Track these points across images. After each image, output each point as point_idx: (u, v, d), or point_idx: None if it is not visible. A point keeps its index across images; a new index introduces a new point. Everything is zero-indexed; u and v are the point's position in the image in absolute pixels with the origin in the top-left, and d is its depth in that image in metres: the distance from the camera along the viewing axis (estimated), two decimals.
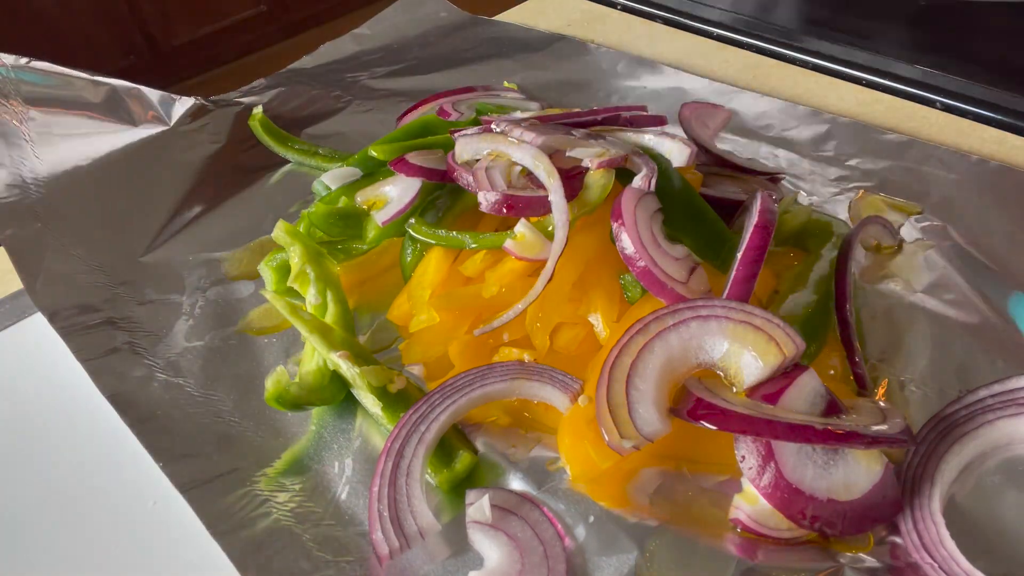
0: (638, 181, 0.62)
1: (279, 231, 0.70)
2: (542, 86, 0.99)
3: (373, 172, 0.77)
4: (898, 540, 0.51)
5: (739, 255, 0.58)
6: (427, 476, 0.56)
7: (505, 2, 1.22)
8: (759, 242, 0.58)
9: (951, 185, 0.78)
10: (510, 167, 0.65)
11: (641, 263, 0.58)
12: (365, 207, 0.72)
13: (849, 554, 0.50)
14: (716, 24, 1.09)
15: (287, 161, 0.89)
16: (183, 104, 0.95)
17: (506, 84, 0.96)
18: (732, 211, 0.69)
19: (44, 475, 0.60)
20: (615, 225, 0.59)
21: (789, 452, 0.50)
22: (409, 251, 0.69)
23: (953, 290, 0.67)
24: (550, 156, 0.64)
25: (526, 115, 0.75)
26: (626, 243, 0.59)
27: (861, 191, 0.78)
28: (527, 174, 0.65)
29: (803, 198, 0.78)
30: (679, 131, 0.79)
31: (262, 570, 0.51)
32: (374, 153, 0.74)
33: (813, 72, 0.99)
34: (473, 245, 0.64)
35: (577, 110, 0.76)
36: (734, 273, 0.57)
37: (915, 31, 1.06)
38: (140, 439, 0.60)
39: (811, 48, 1.01)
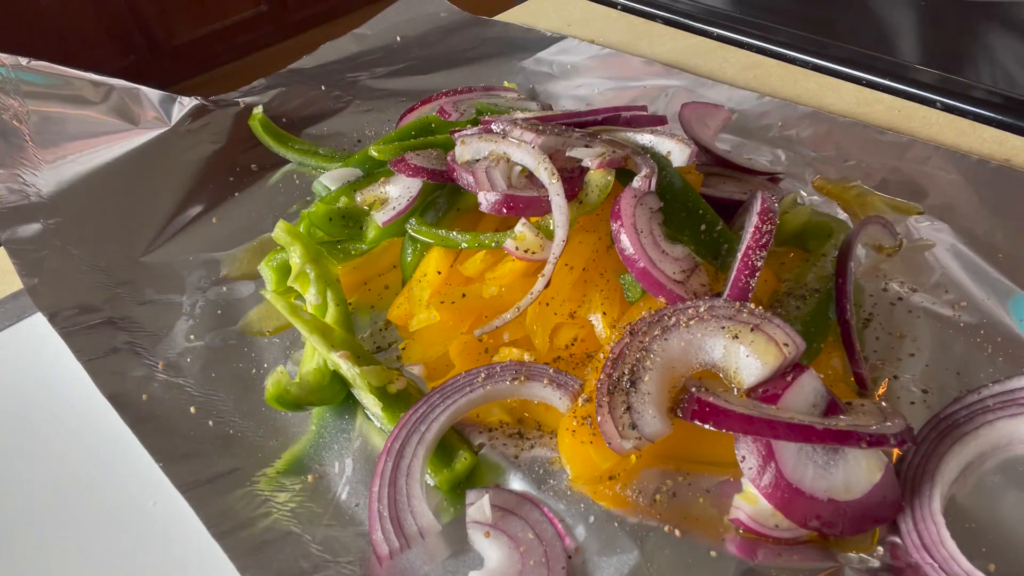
0: (638, 181, 0.62)
1: (279, 231, 0.70)
2: (542, 86, 0.99)
3: (373, 172, 0.77)
4: (898, 540, 0.51)
5: (739, 255, 0.58)
6: (427, 476, 0.56)
7: (505, 2, 1.22)
8: (759, 242, 0.58)
9: (951, 185, 0.78)
10: (510, 167, 0.65)
11: (640, 264, 0.58)
12: (365, 207, 0.72)
13: (849, 554, 0.50)
14: (716, 24, 1.09)
15: (287, 161, 0.89)
16: (183, 104, 0.95)
17: (506, 84, 0.96)
18: (732, 211, 0.69)
19: (44, 475, 0.60)
20: (615, 226, 0.59)
21: (789, 452, 0.50)
22: (409, 251, 0.69)
23: (953, 290, 0.67)
24: (550, 156, 0.64)
25: (526, 115, 0.75)
26: (625, 244, 0.59)
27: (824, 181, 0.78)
28: (527, 174, 0.65)
29: (803, 198, 0.78)
30: (679, 131, 0.79)
31: (262, 570, 0.51)
32: (374, 153, 0.74)
33: (813, 72, 0.99)
34: (472, 245, 0.64)
35: (577, 110, 0.76)
36: (734, 273, 0.57)
37: (916, 31, 1.06)
38: (140, 439, 0.60)
39: (811, 48, 1.01)
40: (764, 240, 0.58)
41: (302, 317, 0.64)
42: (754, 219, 0.59)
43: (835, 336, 0.62)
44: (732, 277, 0.57)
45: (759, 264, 0.57)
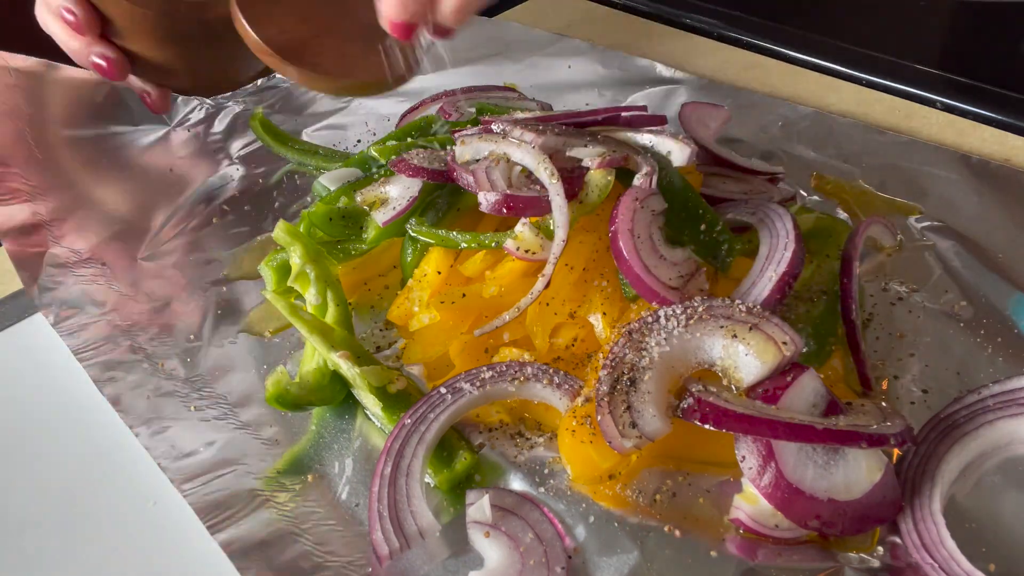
0: (638, 180, 0.62)
1: (279, 231, 0.70)
2: (542, 86, 0.99)
3: (373, 172, 0.77)
4: (898, 540, 0.51)
5: (775, 274, 0.59)
6: (427, 476, 0.57)
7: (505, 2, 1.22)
8: (795, 269, 0.59)
9: (951, 185, 0.78)
10: (510, 167, 0.65)
11: (633, 270, 0.58)
12: (365, 207, 0.72)
13: (849, 554, 0.50)
14: (716, 24, 1.09)
15: (287, 161, 0.89)
16: (183, 104, 0.95)
17: (506, 84, 0.96)
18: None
19: (44, 475, 0.60)
20: (611, 229, 0.59)
21: (789, 452, 0.50)
22: (409, 251, 0.69)
23: (953, 290, 0.67)
24: (550, 156, 0.64)
25: (526, 115, 0.75)
26: (619, 249, 0.58)
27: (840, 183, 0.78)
28: (527, 174, 0.65)
29: (803, 198, 0.78)
30: (679, 131, 0.79)
31: (262, 570, 0.51)
32: (374, 153, 0.74)
33: (813, 72, 0.99)
34: (472, 245, 0.64)
35: (577, 110, 0.76)
36: (768, 295, 0.58)
37: (916, 31, 1.06)
38: (140, 439, 0.60)
39: (811, 48, 1.01)
40: (799, 268, 0.60)
41: (302, 317, 0.64)
42: (792, 244, 0.60)
43: (835, 337, 0.62)
44: (766, 297, 0.58)
45: (790, 288, 0.59)
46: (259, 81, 1.03)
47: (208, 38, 0.74)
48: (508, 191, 0.63)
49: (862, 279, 0.69)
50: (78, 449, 0.62)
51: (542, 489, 0.56)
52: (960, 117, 0.89)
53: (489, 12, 1.16)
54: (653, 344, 0.54)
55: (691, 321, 0.55)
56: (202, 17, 0.72)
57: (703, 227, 0.62)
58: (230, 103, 0.98)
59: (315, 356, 0.63)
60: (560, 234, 0.60)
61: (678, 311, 0.56)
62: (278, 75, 1.04)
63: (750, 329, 0.53)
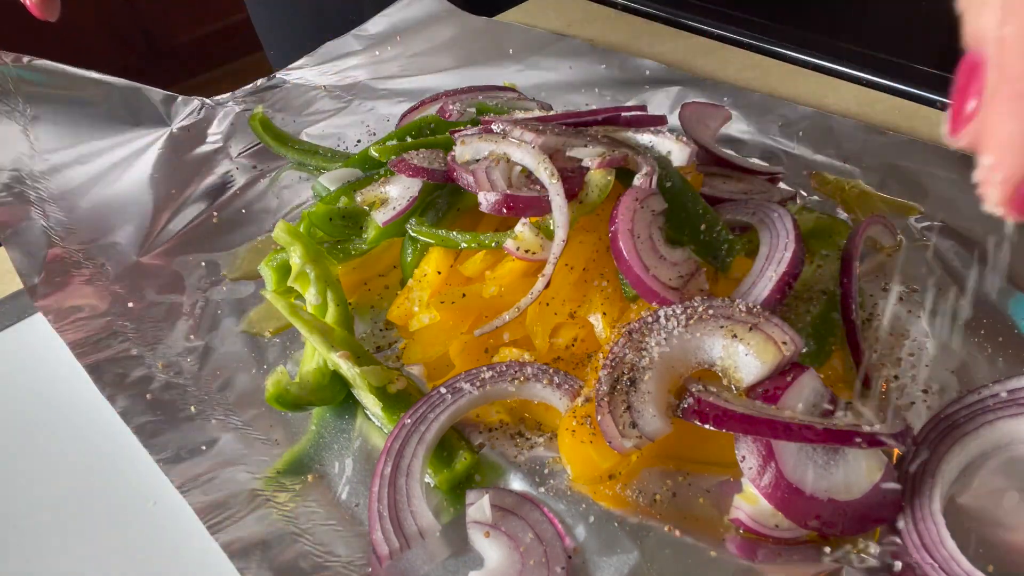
0: (638, 180, 0.62)
1: (279, 231, 0.70)
2: (542, 86, 0.99)
3: (373, 172, 0.77)
4: (898, 540, 0.51)
5: (775, 274, 0.59)
6: (427, 476, 0.56)
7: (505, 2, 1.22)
8: (795, 269, 0.59)
9: (951, 185, 0.78)
10: (510, 167, 0.65)
11: (633, 270, 0.58)
12: (365, 207, 0.72)
13: (849, 554, 0.50)
14: (716, 24, 1.09)
15: (287, 161, 0.89)
16: (183, 104, 0.95)
17: (506, 84, 0.96)
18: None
19: (44, 475, 0.60)
20: (611, 230, 0.59)
21: (789, 452, 0.50)
22: (409, 251, 0.69)
23: (953, 290, 0.67)
24: (550, 156, 0.64)
25: (526, 115, 0.75)
26: (619, 250, 0.58)
27: (855, 187, 0.78)
28: (527, 174, 0.65)
29: (803, 198, 0.78)
30: (679, 131, 0.79)
31: (262, 570, 0.51)
32: (374, 153, 0.74)
33: (813, 72, 0.99)
34: (472, 245, 0.64)
35: (577, 110, 0.76)
36: (768, 295, 0.58)
37: (916, 31, 1.06)
38: (140, 439, 0.60)
39: (811, 48, 1.01)
40: (799, 268, 0.60)
41: (302, 317, 0.64)
42: (792, 245, 0.60)
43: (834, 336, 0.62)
44: (766, 297, 0.58)
45: (790, 288, 0.59)
46: (259, 81, 1.03)
47: None
48: (508, 191, 0.63)
49: (862, 279, 0.69)
50: (78, 449, 0.62)
51: (542, 489, 0.56)
52: None
53: (489, 12, 1.16)
54: (653, 344, 0.54)
55: (691, 321, 0.55)
56: None
57: (703, 227, 0.62)
58: (230, 103, 0.98)
59: (315, 356, 0.63)
60: (560, 234, 0.60)
61: (678, 311, 0.56)
62: (279, 74, 1.04)
63: (750, 329, 0.53)
